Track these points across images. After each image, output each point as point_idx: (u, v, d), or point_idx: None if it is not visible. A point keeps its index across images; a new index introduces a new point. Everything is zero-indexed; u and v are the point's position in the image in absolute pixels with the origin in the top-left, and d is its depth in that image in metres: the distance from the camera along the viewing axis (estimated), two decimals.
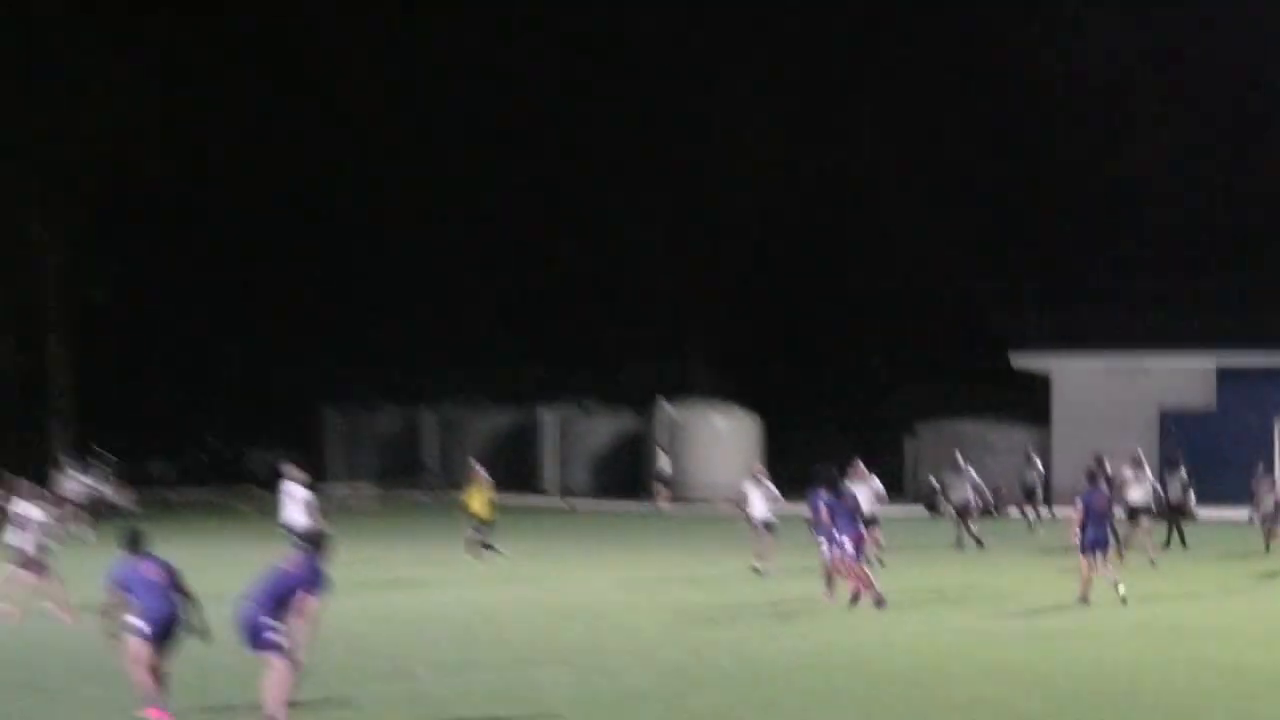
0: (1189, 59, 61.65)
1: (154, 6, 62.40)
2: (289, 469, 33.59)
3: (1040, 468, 46.76)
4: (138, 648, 15.92)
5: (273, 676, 15.49)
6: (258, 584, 15.57)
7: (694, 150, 66.12)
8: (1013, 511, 45.07)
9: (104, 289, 61.01)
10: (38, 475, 38.50)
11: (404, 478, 60.41)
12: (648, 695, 17.52)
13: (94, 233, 61.04)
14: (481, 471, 35.96)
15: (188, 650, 16.42)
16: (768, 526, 30.78)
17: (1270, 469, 43.05)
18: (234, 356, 71.36)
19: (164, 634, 15.94)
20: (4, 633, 23.14)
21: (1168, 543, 35.82)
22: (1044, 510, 44.26)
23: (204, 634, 16.17)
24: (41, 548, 24.94)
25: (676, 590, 27.96)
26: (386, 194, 69.06)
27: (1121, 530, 31.26)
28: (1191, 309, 56.15)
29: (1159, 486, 37.01)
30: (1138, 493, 34.52)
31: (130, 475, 52.17)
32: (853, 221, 67.25)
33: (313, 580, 15.85)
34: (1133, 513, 34.15)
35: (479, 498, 34.89)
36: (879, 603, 24.65)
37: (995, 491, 44.54)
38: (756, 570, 29.87)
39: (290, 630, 15.60)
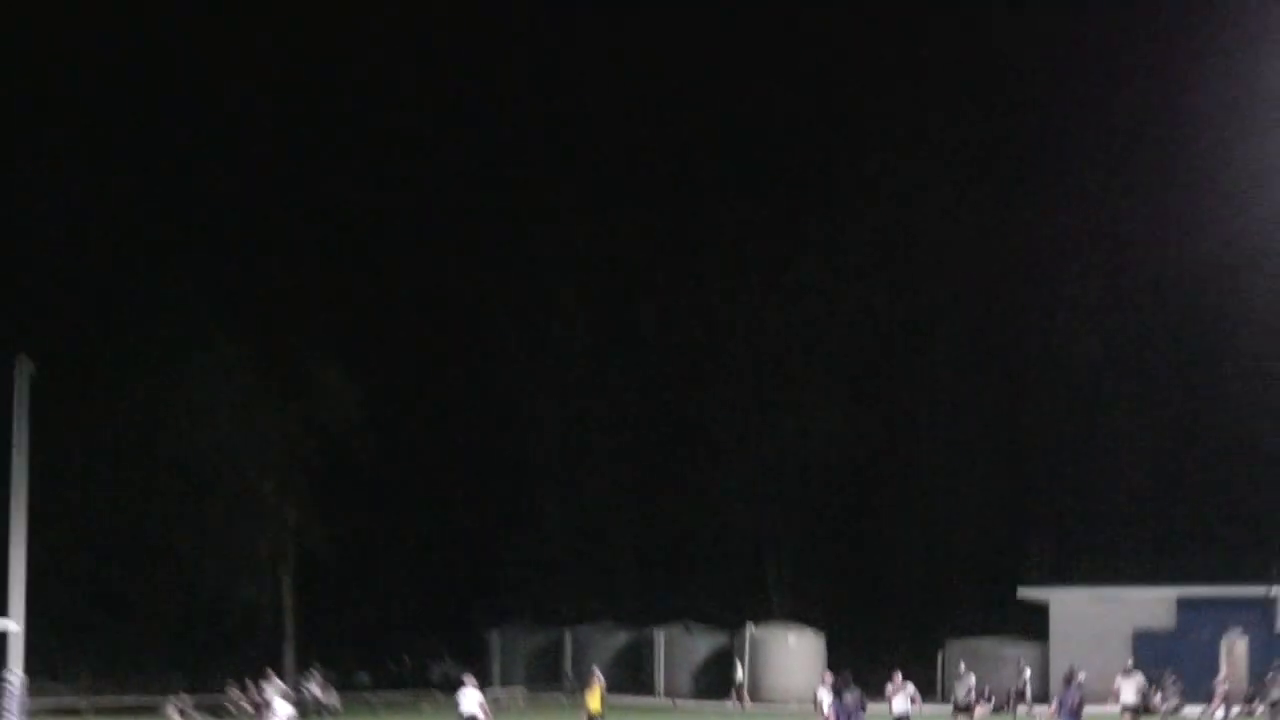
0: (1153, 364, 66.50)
1: (366, 330, 66.44)
2: (467, 676, 36.86)
3: (1028, 674, 50.90)
4: None
5: None
6: None
7: (775, 425, 69.78)
8: (1006, 708, 48.18)
9: (325, 542, 62.64)
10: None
11: (548, 683, 60.90)
12: None
13: (317, 498, 62.82)
14: (598, 674, 38.30)
15: None
16: None
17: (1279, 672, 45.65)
18: (425, 592, 72.71)
19: None
20: None
21: None
22: (1035, 707, 48.04)
23: None
24: None
25: None
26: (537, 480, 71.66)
27: None
28: (1158, 553, 61.43)
29: (1147, 688, 39.42)
30: (1129, 693, 36.63)
31: (339, 683, 55.66)
32: (901, 485, 70.00)
33: None
34: (1124, 710, 36.53)
35: (594, 695, 37.09)
36: None
37: (985, 693, 45.82)
38: None
39: None
